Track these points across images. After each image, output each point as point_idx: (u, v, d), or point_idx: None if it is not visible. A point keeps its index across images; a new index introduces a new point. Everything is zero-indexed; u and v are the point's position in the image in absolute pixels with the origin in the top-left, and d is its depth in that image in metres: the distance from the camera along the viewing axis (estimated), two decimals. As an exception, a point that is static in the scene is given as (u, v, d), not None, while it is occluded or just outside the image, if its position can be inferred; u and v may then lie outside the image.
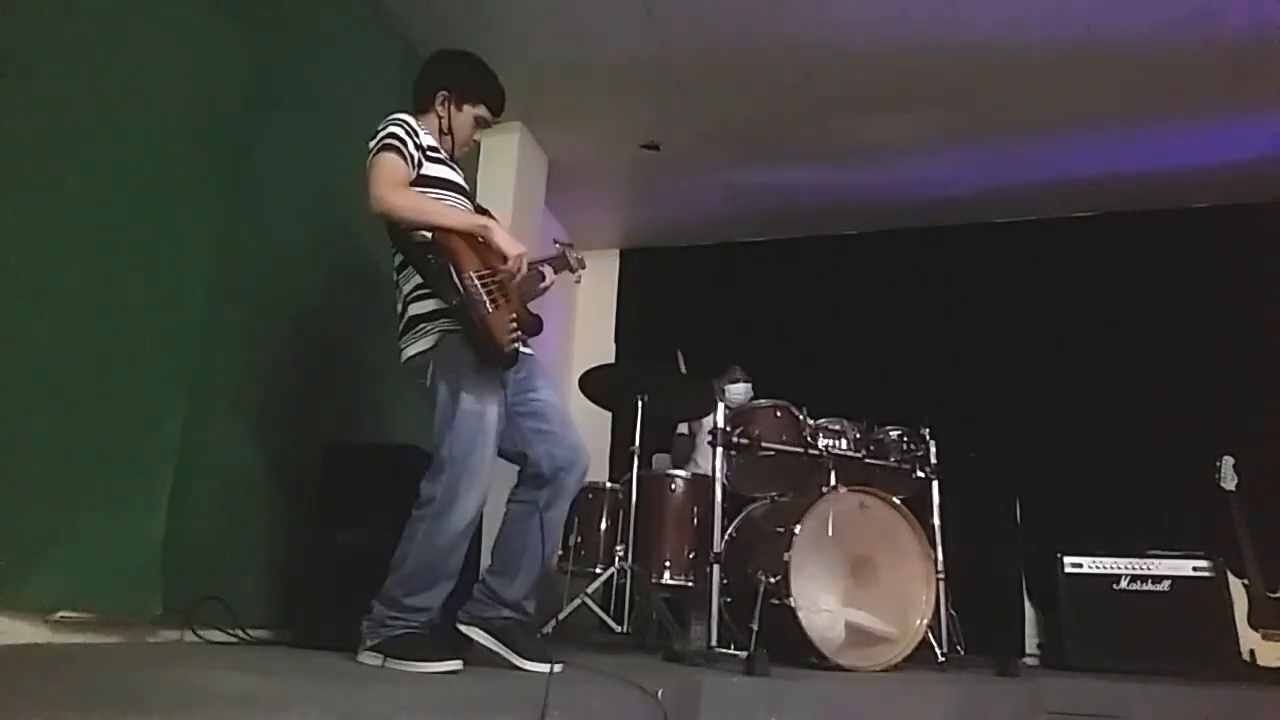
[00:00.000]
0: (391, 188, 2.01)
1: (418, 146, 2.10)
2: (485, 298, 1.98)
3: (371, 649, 1.95)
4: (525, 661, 2.00)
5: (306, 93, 2.91)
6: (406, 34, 3.53)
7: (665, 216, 5.31)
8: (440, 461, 2.00)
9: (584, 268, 2.50)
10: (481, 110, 2.28)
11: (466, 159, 2.40)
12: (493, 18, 3.48)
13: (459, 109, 2.25)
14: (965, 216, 4.91)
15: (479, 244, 2.05)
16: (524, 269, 2.07)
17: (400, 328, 2.14)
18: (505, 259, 2.06)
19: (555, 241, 2.42)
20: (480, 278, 1.99)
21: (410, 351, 2.10)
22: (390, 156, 2.04)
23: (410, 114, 2.16)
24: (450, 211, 2.07)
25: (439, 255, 1.99)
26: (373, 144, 2.08)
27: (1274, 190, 4.38)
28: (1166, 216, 4.63)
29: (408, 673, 1.85)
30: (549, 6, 3.41)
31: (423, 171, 2.11)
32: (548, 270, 2.31)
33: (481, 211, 2.26)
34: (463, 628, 2.07)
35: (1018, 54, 3.57)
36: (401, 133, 2.07)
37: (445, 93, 2.24)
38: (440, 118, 2.25)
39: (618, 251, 5.78)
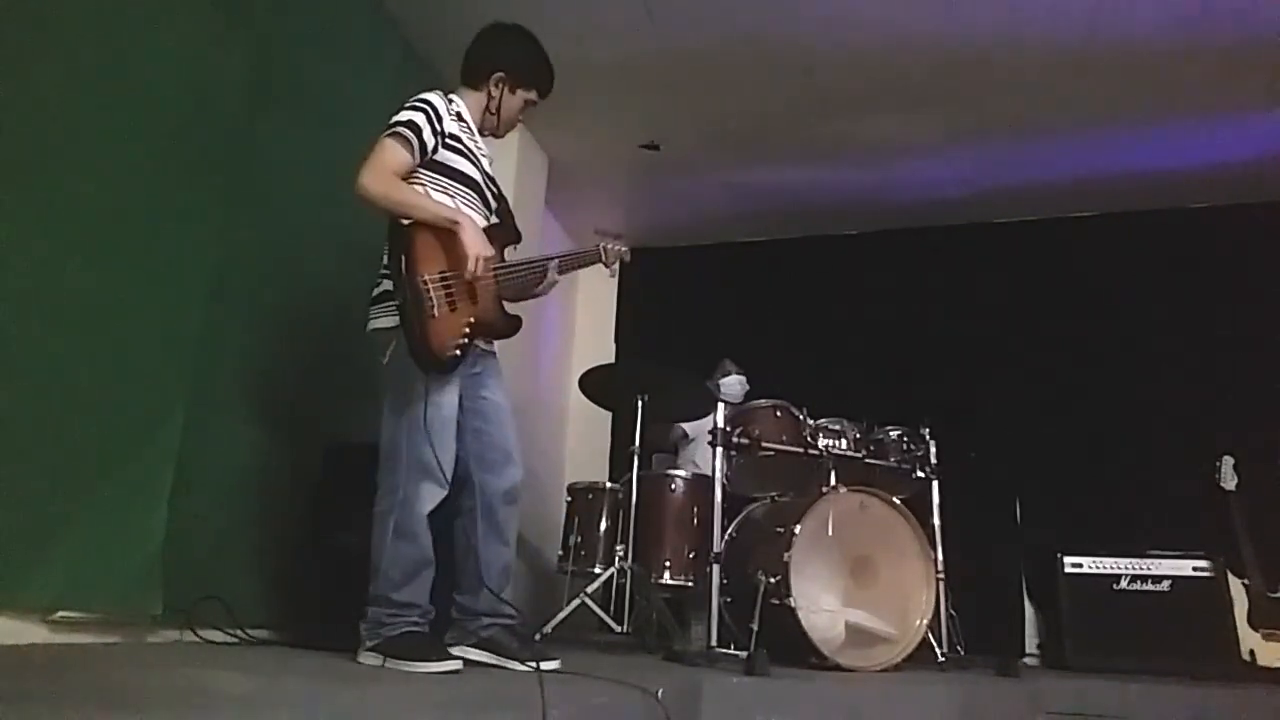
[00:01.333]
0: (374, 174, 1.98)
1: (436, 132, 2.06)
2: (435, 301, 1.95)
3: (371, 649, 1.96)
4: (518, 664, 2.01)
5: (306, 92, 2.91)
6: (406, 33, 3.53)
7: (665, 216, 5.31)
8: (396, 448, 2.00)
9: (625, 260, 2.43)
10: (533, 95, 2.28)
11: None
12: (494, 17, 3.47)
13: (512, 92, 2.24)
14: (965, 216, 4.91)
15: (452, 240, 2.00)
16: (480, 270, 1.99)
17: (373, 296, 2.12)
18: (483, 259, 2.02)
19: (596, 231, 2.40)
20: (443, 278, 1.98)
21: (376, 324, 2.09)
22: (391, 144, 2.02)
23: (441, 92, 2.13)
24: (423, 203, 2.02)
25: (400, 248, 1.97)
26: (391, 120, 2.06)
27: (1274, 190, 4.38)
28: (1166, 216, 4.63)
29: (407, 673, 1.85)
30: (549, 6, 3.40)
31: (436, 158, 2.09)
32: (552, 269, 2.27)
33: (499, 201, 2.25)
34: (454, 650, 2.05)
35: (1018, 54, 3.57)
36: (421, 119, 2.04)
37: (501, 74, 2.22)
38: (491, 97, 2.22)
39: (627, 258, 5.77)
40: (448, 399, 2.03)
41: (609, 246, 2.39)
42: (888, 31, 3.47)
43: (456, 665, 1.86)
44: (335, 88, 3.07)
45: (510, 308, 2.20)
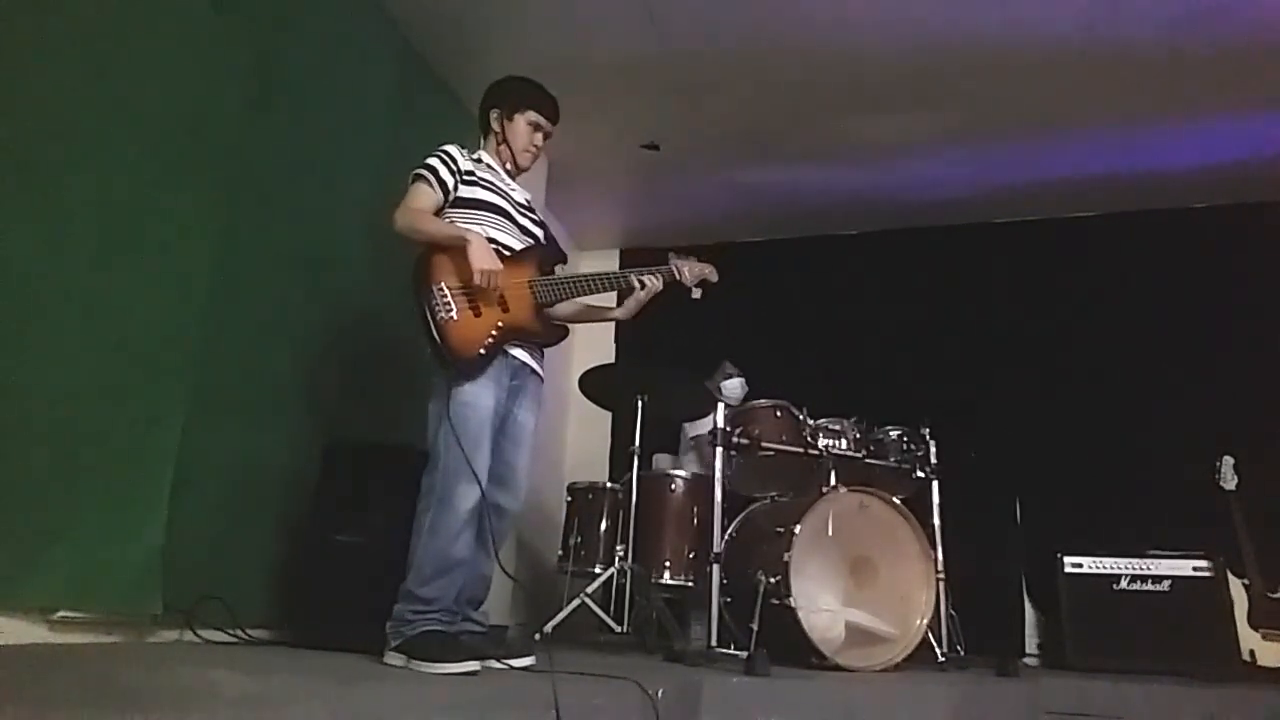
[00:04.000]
0: (401, 211, 2.18)
1: (453, 172, 2.25)
2: (454, 306, 2.10)
3: (395, 649, 1.98)
4: (494, 663, 2.01)
5: (306, 92, 2.91)
6: (406, 34, 3.53)
7: (665, 216, 5.31)
8: (436, 449, 2.09)
9: (711, 280, 2.46)
10: (531, 115, 2.41)
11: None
12: (493, 18, 3.48)
13: (510, 120, 2.40)
14: (965, 216, 4.91)
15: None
16: (493, 283, 2.11)
17: None
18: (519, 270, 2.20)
19: (672, 251, 2.45)
20: (464, 288, 2.12)
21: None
22: (414, 186, 2.22)
23: (459, 145, 2.30)
24: (438, 229, 2.18)
25: (416, 265, 2.14)
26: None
27: (1274, 190, 4.38)
28: (1166, 216, 4.63)
29: (411, 673, 1.86)
30: (549, 6, 3.40)
31: (458, 194, 2.26)
32: (593, 286, 2.35)
33: (541, 227, 2.40)
34: None
35: (1018, 54, 3.56)
36: (436, 162, 2.24)
37: (496, 110, 2.41)
38: (496, 133, 2.41)
39: (618, 251, 5.77)
40: (483, 401, 2.11)
41: (685, 266, 2.43)
42: (887, 31, 3.47)
43: (474, 666, 1.87)
44: (335, 88, 3.07)
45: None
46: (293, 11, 2.84)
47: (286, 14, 2.80)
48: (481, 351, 2.11)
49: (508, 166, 2.41)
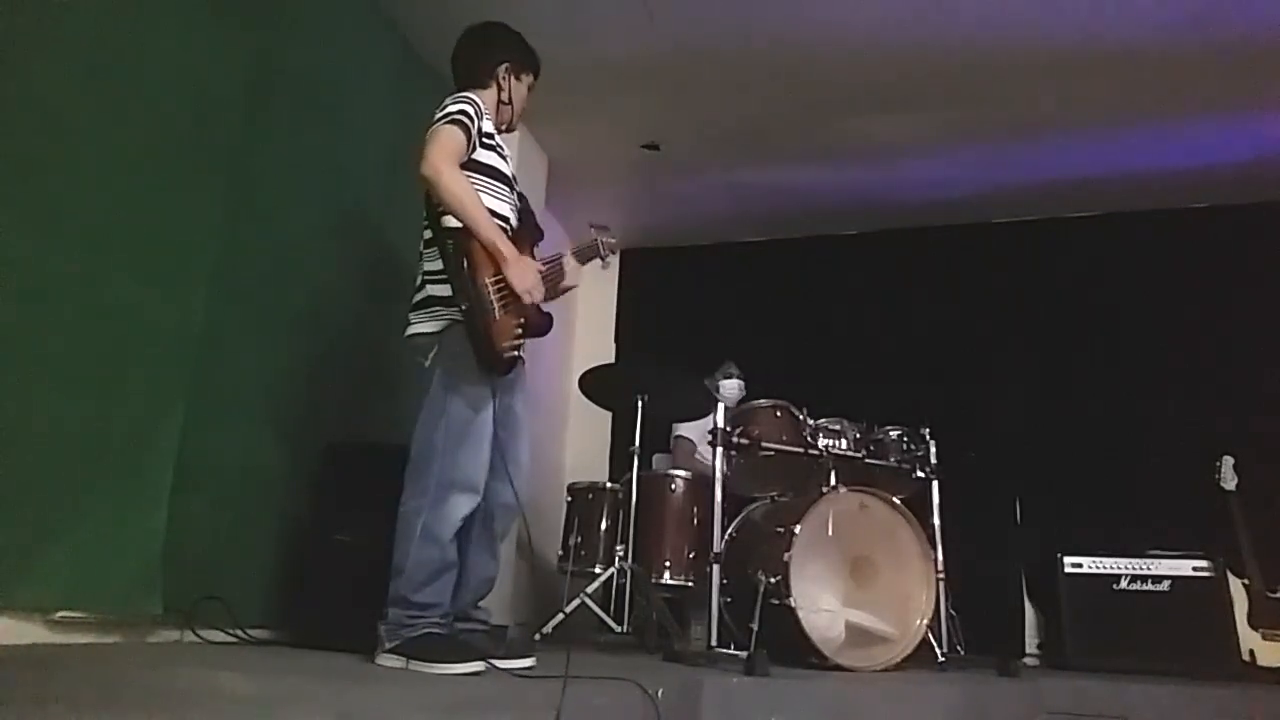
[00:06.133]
0: (450, 159, 2.03)
1: (479, 130, 2.13)
2: (495, 303, 2.02)
3: (392, 650, 1.94)
4: (499, 662, 1.99)
5: (306, 91, 2.91)
6: (405, 31, 3.52)
7: (665, 216, 5.31)
8: (431, 450, 2.01)
9: (614, 253, 2.54)
10: (530, 78, 2.36)
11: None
12: (492, 17, 3.46)
13: (518, 79, 2.32)
14: (965, 216, 4.91)
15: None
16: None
17: (414, 302, 2.14)
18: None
19: (591, 225, 2.45)
20: (496, 282, 2.04)
21: (417, 329, 2.11)
22: (456, 131, 2.06)
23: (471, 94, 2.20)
24: (485, 220, 2.04)
25: (459, 252, 2.01)
26: (440, 115, 2.10)
27: (1274, 190, 4.38)
28: (1166, 216, 4.63)
29: (412, 673, 1.85)
30: (549, 6, 3.40)
31: (474, 156, 2.14)
32: (569, 264, 2.35)
33: (521, 200, 2.32)
34: None
35: (1018, 54, 3.56)
36: (472, 111, 2.11)
37: (507, 64, 2.29)
38: (502, 89, 2.29)
39: (618, 251, 5.78)
40: (488, 400, 2.05)
41: (603, 239, 2.46)
42: (888, 32, 3.47)
43: (479, 667, 1.85)
44: (335, 88, 3.07)
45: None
46: (292, 11, 2.84)
47: (286, 13, 2.80)
48: (515, 352, 2.06)
49: (502, 127, 2.32)
